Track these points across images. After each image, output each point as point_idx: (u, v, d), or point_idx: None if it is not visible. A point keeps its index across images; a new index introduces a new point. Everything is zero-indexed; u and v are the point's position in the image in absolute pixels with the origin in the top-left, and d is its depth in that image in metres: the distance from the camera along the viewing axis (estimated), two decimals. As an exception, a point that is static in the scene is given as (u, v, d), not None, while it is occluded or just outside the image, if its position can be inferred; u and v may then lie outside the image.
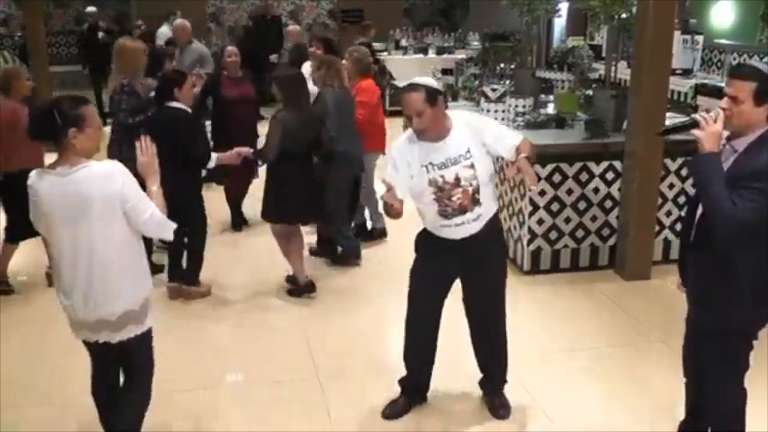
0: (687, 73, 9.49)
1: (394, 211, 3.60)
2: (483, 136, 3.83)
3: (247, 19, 15.50)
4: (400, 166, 3.79)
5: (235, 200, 7.31)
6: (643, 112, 5.80)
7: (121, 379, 3.67)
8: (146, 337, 3.53)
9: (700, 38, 9.61)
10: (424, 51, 13.08)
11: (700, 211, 3.28)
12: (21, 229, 5.53)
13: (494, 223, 3.97)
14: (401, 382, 4.31)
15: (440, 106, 3.76)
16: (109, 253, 3.28)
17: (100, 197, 3.18)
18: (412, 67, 11.61)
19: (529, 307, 5.63)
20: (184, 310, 5.62)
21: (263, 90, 7.61)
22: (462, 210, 3.79)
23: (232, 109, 6.79)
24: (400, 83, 7.52)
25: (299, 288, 5.79)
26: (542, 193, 6.00)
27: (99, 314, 3.32)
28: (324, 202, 5.88)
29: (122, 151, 5.54)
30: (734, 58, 9.70)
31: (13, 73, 5.88)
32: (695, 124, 3.09)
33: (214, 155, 5.50)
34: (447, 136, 3.79)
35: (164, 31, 11.26)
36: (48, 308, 5.58)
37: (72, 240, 3.24)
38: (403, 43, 13.31)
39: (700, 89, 9.13)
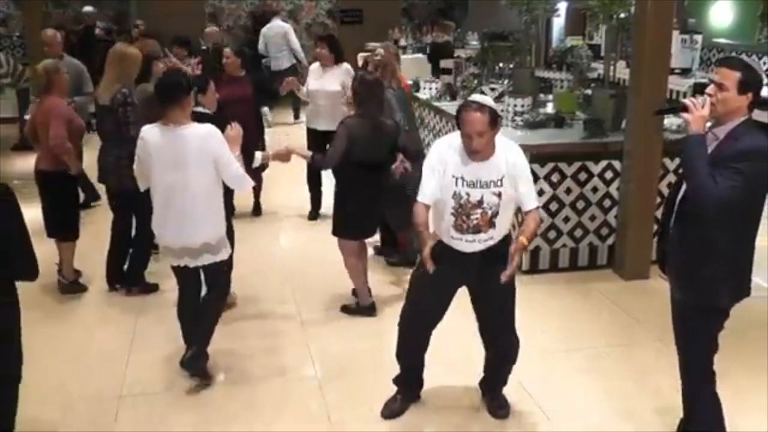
0: (686, 72, 9.49)
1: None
2: (515, 173, 3.78)
3: (246, 19, 15.52)
4: (437, 168, 3.78)
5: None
6: (642, 111, 5.80)
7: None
8: (219, 265, 4.48)
9: (698, 38, 9.61)
10: (423, 50, 13.06)
11: (681, 194, 3.43)
12: (74, 223, 5.90)
13: (505, 239, 3.94)
14: (396, 380, 4.32)
15: (498, 128, 3.74)
16: (198, 195, 4.21)
17: (198, 151, 4.16)
18: (411, 67, 11.60)
19: (527, 306, 5.61)
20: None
21: (263, 89, 7.59)
22: (476, 230, 3.80)
23: (225, 108, 6.76)
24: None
25: (359, 309, 5.50)
26: (541, 192, 5.99)
27: (184, 242, 4.29)
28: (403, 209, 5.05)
29: (121, 164, 5.38)
30: (725, 55, 9.72)
31: (53, 68, 5.74)
32: (685, 108, 3.31)
33: (258, 154, 5.17)
34: (488, 159, 3.75)
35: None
36: (48, 311, 5.60)
37: (170, 182, 4.19)
38: (402, 42, 13.29)
39: (699, 88, 9.13)
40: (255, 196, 7.76)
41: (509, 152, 3.81)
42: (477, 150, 3.67)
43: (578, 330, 5.25)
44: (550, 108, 7.14)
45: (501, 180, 3.75)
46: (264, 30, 12.78)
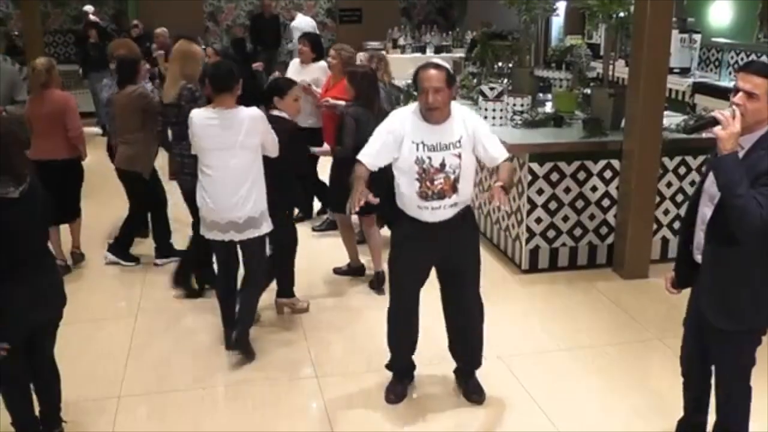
0: (685, 71, 9.48)
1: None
2: (476, 133, 3.96)
3: (245, 18, 15.49)
4: (386, 135, 3.95)
5: None
6: (641, 110, 5.81)
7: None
8: (262, 240, 4.77)
9: (697, 37, 9.61)
10: (422, 50, 13.06)
11: (708, 209, 3.26)
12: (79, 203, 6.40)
13: (468, 210, 4.12)
14: (391, 366, 4.41)
15: (453, 91, 3.94)
16: (244, 172, 4.55)
17: (244, 132, 4.50)
18: (410, 66, 11.59)
19: (526, 305, 5.64)
20: (180, 309, 5.62)
21: (262, 87, 7.59)
22: (441, 195, 3.92)
23: None
24: (399, 82, 7.54)
25: (351, 270, 6.12)
26: (540, 191, 6.00)
27: (230, 217, 4.57)
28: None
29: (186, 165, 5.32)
30: (732, 57, 9.70)
31: (49, 65, 6.03)
32: (715, 121, 3.04)
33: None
34: (445, 122, 3.91)
35: None
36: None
37: (218, 161, 4.53)
38: (401, 41, 13.29)
39: (698, 88, 9.14)
40: None
41: (466, 116, 4.00)
42: (434, 107, 3.81)
43: (577, 329, 5.25)
44: (549, 107, 7.13)
45: (460, 141, 3.90)
46: (295, 24, 12.95)
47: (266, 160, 4.69)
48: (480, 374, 4.51)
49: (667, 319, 5.14)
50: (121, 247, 6.43)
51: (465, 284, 4.20)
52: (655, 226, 6.22)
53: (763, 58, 9.41)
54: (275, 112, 5.03)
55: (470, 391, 4.36)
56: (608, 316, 5.49)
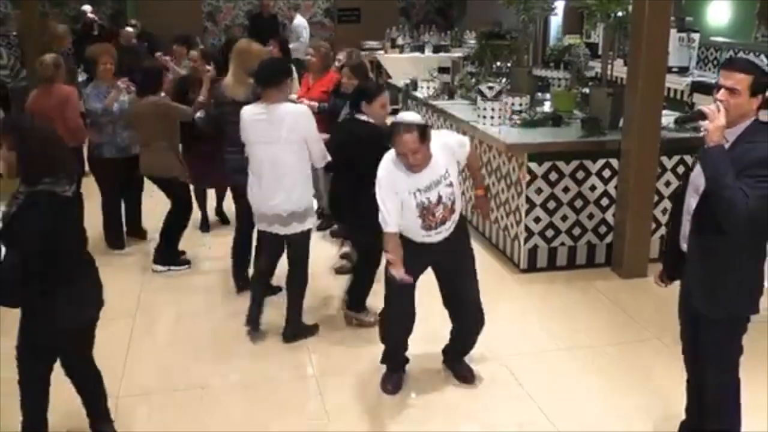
0: (683, 70, 9.48)
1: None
2: (450, 150, 4.14)
3: (244, 18, 15.50)
4: (391, 195, 4.00)
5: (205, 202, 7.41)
6: (640, 110, 5.81)
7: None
8: (306, 235, 4.87)
9: (696, 36, 9.60)
10: (421, 49, 13.06)
11: (693, 200, 3.33)
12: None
13: (462, 219, 4.30)
14: (385, 359, 4.49)
15: (428, 140, 3.97)
16: (288, 166, 4.66)
17: (290, 128, 4.62)
18: (408, 66, 11.61)
19: (525, 305, 5.64)
20: (178, 308, 5.63)
21: None
22: (443, 221, 4.11)
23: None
24: (398, 82, 7.56)
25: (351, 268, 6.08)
26: (539, 191, 6.01)
27: (275, 210, 4.72)
28: None
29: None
30: (730, 56, 9.71)
31: (57, 61, 6.55)
32: (703, 115, 3.14)
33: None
34: (430, 162, 4.01)
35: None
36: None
37: (264, 154, 4.68)
38: (400, 41, 13.29)
39: (697, 87, 9.14)
40: (218, 203, 7.60)
41: (440, 143, 4.09)
42: (416, 165, 3.95)
43: (576, 328, 5.26)
44: (547, 106, 7.14)
45: (447, 172, 4.06)
46: (296, 23, 13.01)
47: (358, 168, 4.66)
48: (479, 374, 4.53)
49: (667, 317, 5.11)
50: (169, 254, 6.34)
51: (465, 277, 4.34)
52: (653, 225, 6.22)
53: (762, 57, 9.43)
54: (362, 117, 4.91)
55: (460, 373, 4.56)
56: (607, 315, 5.49)
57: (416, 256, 4.13)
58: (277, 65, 4.90)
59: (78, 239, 3.54)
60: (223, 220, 7.49)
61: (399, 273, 3.93)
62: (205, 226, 7.30)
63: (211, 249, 6.73)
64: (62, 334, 3.51)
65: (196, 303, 5.70)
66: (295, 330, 5.06)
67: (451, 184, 4.07)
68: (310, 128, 4.72)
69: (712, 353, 3.46)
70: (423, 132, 3.90)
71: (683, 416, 3.81)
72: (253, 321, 5.11)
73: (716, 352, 3.44)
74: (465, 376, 4.54)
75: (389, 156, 4.06)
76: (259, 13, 14.19)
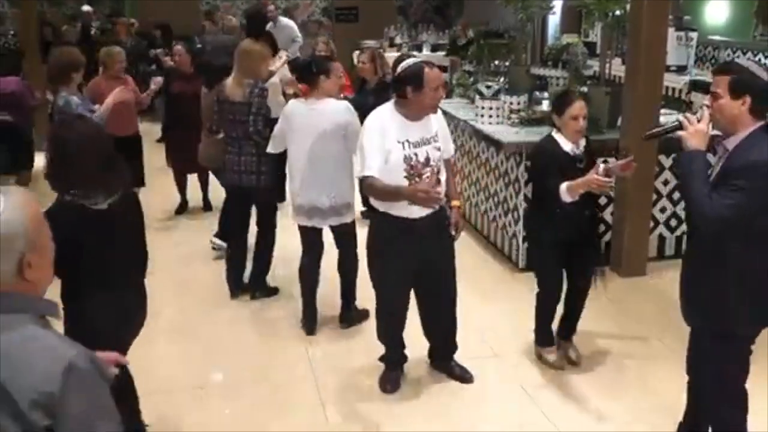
0: (681, 69, 9.47)
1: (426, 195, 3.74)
2: (440, 125, 4.19)
3: (242, 17, 15.47)
4: (380, 142, 3.92)
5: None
6: (638, 108, 5.82)
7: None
8: (348, 226, 5.00)
9: (694, 35, 9.60)
10: (419, 48, 13.07)
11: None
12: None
13: (443, 207, 4.21)
14: (385, 358, 4.50)
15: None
16: (329, 161, 4.77)
17: (333, 123, 4.74)
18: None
19: (524, 304, 5.62)
20: (176, 307, 5.62)
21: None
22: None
23: (177, 103, 6.87)
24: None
25: None
26: (537, 190, 6.01)
27: (314, 203, 4.85)
28: None
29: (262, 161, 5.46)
30: (728, 55, 9.71)
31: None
32: (679, 126, 3.15)
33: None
34: (422, 119, 4.04)
35: None
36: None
37: (306, 149, 4.78)
38: (398, 40, 13.29)
39: (695, 85, 9.14)
40: (203, 190, 7.85)
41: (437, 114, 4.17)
42: (436, 103, 4.03)
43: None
44: (545, 106, 7.13)
45: (437, 134, 4.09)
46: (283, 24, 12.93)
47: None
48: (477, 373, 4.53)
49: (665, 317, 5.14)
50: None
51: (446, 280, 4.33)
52: (652, 224, 6.23)
53: (760, 56, 9.44)
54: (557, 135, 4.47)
55: (458, 374, 4.53)
56: (606, 314, 5.49)
57: (401, 245, 4.05)
58: (317, 63, 5.05)
59: (119, 255, 3.30)
60: (206, 206, 7.79)
61: (424, 188, 3.74)
62: (181, 208, 7.71)
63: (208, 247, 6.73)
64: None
65: (193, 301, 5.70)
66: (350, 316, 5.24)
67: (438, 149, 4.07)
68: (352, 122, 4.77)
69: (700, 362, 3.42)
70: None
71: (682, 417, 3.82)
72: (309, 323, 5.21)
73: (704, 361, 3.38)
74: (462, 377, 4.53)
75: (384, 107, 4.07)
76: (257, 12, 14.15)
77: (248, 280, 5.81)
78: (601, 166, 4.01)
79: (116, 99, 5.80)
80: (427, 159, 3.99)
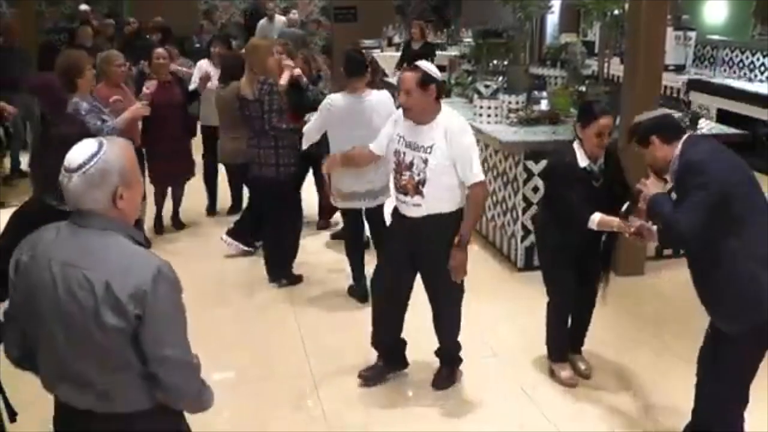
0: (680, 69, 9.51)
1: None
2: (453, 149, 3.95)
3: (240, 16, 15.50)
4: (392, 123, 4.24)
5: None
6: (636, 108, 5.77)
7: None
8: (380, 208, 5.46)
9: (692, 34, 9.63)
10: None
11: None
12: None
13: (442, 220, 4.05)
14: (372, 343, 4.53)
15: (430, 92, 3.96)
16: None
17: (384, 111, 5.02)
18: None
19: (523, 304, 5.63)
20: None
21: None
22: (404, 191, 4.08)
23: (153, 113, 6.13)
24: (394, 80, 7.55)
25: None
26: (535, 189, 6.00)
27: (353, 189, 5.25)
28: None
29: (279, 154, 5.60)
30: (726, 54, 9.73)
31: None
32: (639, 192, 3.52)
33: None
34: (425, 125, 4.00)
35: None
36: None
37: (353, 137, 4.91)
38: (396, 39, 13.29)
39: (693, 85, 9.16)
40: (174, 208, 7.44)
41: (452, 128, 3.96)
42: (404, 106, 4.00)
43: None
44: (544, 105, 7.14)
45: (431, 147, 3.95)
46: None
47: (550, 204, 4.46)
48: (477, 372, 4.52)
49: (664, 316, 5.14)
50: (240, 234, 6.52)
51: (434, 285, 4.24)
52: (650, 224, 6.21)
53: (758, 56, 9.46)
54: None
55: (436, 377, 4.48)
56: (605, 314, 5.47)
57: (395, 232, 4.25)
58: (360, 59, 5.36)
59: None
60: (177, 225, 7.27)
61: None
62: (159, 227, 7.11)
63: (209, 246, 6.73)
64: None
65: (195, 299, 5.67)
66: (363, 285, 5.54)
67: (425, 162, 3.96)
68: (392, 112, 4.77)
69: (702, 358, 3.48)
70: (424, 79, 3.92)
71: (683, 416, 3.79)
72: (360, 290, 5.56)
73: (706, 358, 3.45)
74: (435, 383, 4.45)
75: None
76: (256, 9, 14.18)
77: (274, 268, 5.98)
78: (637, 222, 3.84)
79: (135, 115, 5.75)
80: (411, 163, 4.01)
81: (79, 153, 2.23)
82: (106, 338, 2.17)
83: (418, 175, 3.99)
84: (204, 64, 7.60)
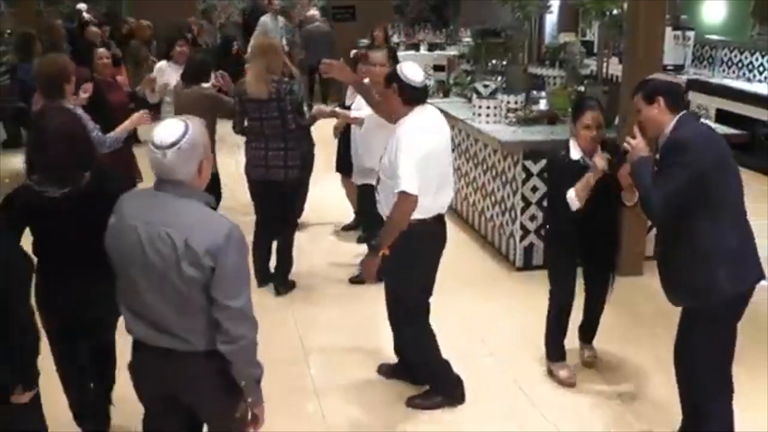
0: (678, 68, 9.51)
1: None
2: (388, 151, 3.90)
3: (239, 15, 15.49)
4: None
5: None
6: (635, 107, 5.81)
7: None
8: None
9: (691, 34, 9.64)
10: (416, 47, 13.06)
11: None
12: None
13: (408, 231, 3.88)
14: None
15: (393, 91, 3.89)
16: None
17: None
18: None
19: (522, 303, 5.63)
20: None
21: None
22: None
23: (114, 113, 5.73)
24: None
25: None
26: (534, 189, 6.01)
27: (370, 164, 5.09)
28: None
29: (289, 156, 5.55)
30: (725, 54, 9.74)
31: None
32: (625, 152, 3.59)
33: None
34: (393, 123, 3.99)
35: None
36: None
37: (368, 122, 5.21)
38: (395, 39, 13.28)
39: (692, 85, 9.16)
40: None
41: (401, 126, 3.88)
42: (379, 91, 4.17)
43: (572, 327, 5.23)
44: (543, 104, 7.14)
45: (385, 149, 3.95)
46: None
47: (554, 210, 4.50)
48: (476, 372, 4.51)
49: (663, 316, 5.13)
50: None
51: (389, 293, 4.20)
52: (648, 223, 6.22)
53: (757, 55, 9.46)
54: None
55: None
56: (603, 314, 5.48)
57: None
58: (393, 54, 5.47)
59: (74, 243, 3.38)
60: None
61: None
62: None
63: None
64: (59, 324, 3.55)
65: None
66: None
67: (379, 159, 4.02)
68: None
69: (675, 354, 3.60)
70: (391, 77, 3.92)
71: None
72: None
73: (677, 351, 3.56)
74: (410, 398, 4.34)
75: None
76: (255, 8, 14.16)
77: (273, 273, 5.85)
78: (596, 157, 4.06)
79: (135, 124, 5.31)
80: (381, 161, 4.02)
81: (170, 132, 2.59)
82: (185, 286, 2.57)
83: (380, 173, 4.04)
84: (163, 65, 7.46)
